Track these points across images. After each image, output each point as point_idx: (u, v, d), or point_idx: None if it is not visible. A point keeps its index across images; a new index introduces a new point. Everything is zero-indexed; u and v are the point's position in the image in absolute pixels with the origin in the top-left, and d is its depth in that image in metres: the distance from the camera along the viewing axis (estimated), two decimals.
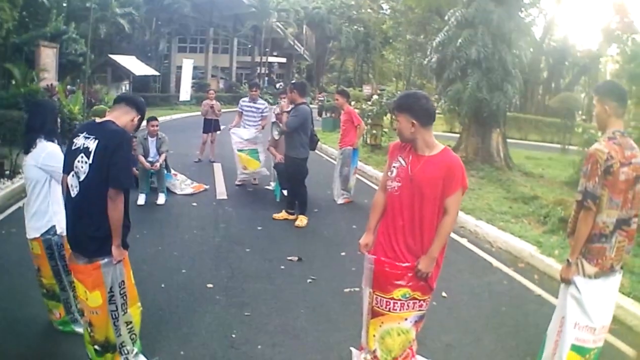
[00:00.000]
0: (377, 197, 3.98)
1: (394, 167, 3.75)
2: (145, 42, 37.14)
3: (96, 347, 3.82)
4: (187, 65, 33.33)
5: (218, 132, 14.46)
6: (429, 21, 28.57)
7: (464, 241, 8.28)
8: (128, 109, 3.81)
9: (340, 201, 10.58)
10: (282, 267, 6.61)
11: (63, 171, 3.84)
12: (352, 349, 4.37)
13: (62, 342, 4.50)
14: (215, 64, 44.57)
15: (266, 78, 51.68)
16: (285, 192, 9.62)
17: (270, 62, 53.75)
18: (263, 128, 11.42)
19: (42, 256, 4.41)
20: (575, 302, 3.81)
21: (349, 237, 8.10)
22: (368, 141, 18.46)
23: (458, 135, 30.06)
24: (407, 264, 3.74)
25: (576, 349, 3.82)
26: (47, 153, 4.29)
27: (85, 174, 3.56)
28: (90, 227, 3.61)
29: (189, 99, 33.71)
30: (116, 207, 3.56)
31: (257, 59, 49.60)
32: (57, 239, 4.38)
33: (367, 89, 42.87)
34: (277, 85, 51.65)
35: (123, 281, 3.82)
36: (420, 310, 3.89)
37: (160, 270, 6.18)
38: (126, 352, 3.97)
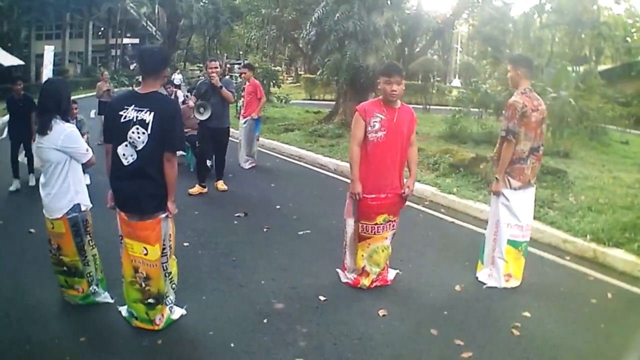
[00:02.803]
0: (355, 152, 5.00)
1: (374, 122, 4.86)
2: (4, 32, 35.09)
3: (150, 300, 4.20)
4: (48, 53, 31.92)
5: None
6: None
7: None
8: (154, 75, 4.12)
9: (247, 166, 11.53)
10: (235, 222, 7.44)
11: (109, 142, 4.13)
12: (337, 270, 5.52)
13: (88, 313, 4.63)
14: (71, 49, 42.87)
15: (118, 60, 50.45)
16: (209, 163, 9.83)
17: (124, 44, 52.42)
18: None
19: (66, 234, 4.45)
20: (505, 208, 5.26)
21: (274, 194, 9.30)
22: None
23: (317, 102, 31.79)
24: (384, 195, 4.98)
25: (511, 243, 5.27)
26: (65, 135, 4.30)
27: (144, 143, 3.94)
28: (150, 187, 4.04)
29: None
30: (173, 167, 4.06)
31: (112, 42, 48.26)
32: (82, 215, 4.50)
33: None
34: (132, 67, 50.52)
35: (170, 234, 4.28)
36: (394, 229, 5.20)
37: None
38: (170, 302, 4.42)
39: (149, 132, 3.95)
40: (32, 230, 6.56)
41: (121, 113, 4.01)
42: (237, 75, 24.25)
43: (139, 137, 3.95)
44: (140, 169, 4.02)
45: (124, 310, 4.50)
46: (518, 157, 5.15)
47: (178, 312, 4.51)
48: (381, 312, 4.69)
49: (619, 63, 32.77)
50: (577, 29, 30.05)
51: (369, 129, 4.87)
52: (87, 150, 4.49)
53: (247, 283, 5.33)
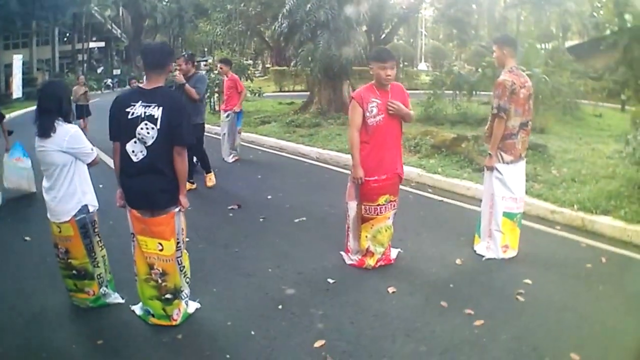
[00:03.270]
0: (355, 138, 5.14)
1: (372, 107, 5.01)
2: None
3: (167, 296, 4.21)
4: (17, 62, 31.38)
5: (89, 117, 14.70)
6: None
7: None
8: (159, 70, 4.13)
9: (230, 160, 11.56)
10: (231, 214, 7.51)
11: (117, 140, 4.11)
12: (341, 252, 5.66)
13: (100, 316, 4.58)
14: (38, 56, 42.07)
15: (85, 65, 49.87)
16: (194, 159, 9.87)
17: (90, 48, 51.86)
18: None
19: (74, 237, 4.39)
20: (499, 182, 5.48)
21: (262, 185, 9.39)
22: (217, 108, 19.30)
23: (288, 93, 31.86)
24: (385, 176, 5.15)
25: (507, 215, 5.49)
26: (70, 136, 4.24)
27: (154, 139, 3.94)
28: (162, 182, 4.04)
29: (21, 95, 31.87)
30: (183, 161, 4.07)
31: (78, 47, 47.69)
32: (90, 216, 4.44)
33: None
34: (99, 71, 50.06)
35: (183, 228, 4.27)
36: (394, 208, 5.37)
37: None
38: (185, 296, 4.40)
39: (158, 127, 3.95)
40: (26, 238, 6.54)
41: (128, 110, 4.01)
42: (203, 72, 24.25)
43: (148, 133, 3.95)
44: (150, 164, 4.02)
45: (137, 308, 4.51)
46: (509, 133, 5.35)
47: (193, 306, 4.54)
48: (390, 290, 4.84)
49: (587, 39, 33.36)
50: (543, 7, 30.53)
51: (367, 114, 5.01)
52: (92, 150, 4.43)
53: (254, 272, 5.41)
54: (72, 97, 14.44)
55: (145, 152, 4.01)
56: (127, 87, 31.21)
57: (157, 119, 3.95)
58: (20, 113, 26.64)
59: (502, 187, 5.45)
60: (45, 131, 4.21)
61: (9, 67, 33.38)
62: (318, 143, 12.93)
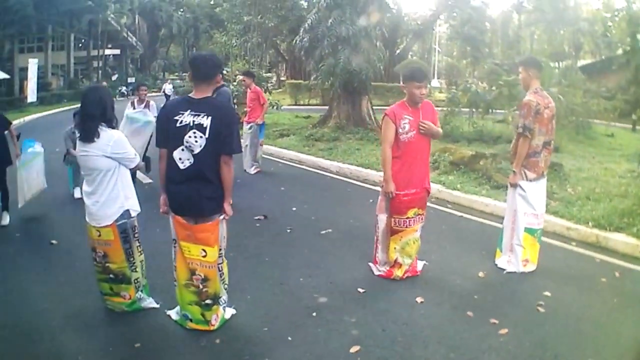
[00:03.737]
0: (387, 153, 5.43)
1: (404, 124, 5.31)
2: None
3: (207, 301, 4.35)
4: (32, 66, 31.77)
5: None
6: (265, 2, 29.70)
7: (376, 189, 9.61)
8: (207, 81, 4.25)
9: (252, 171, 11.84)
10: (257, 225, 7.75)
11: (164, 147, 4.23)
12: (369, 264, 5.95)
13: (136, 320, 4.72)
14: (53, 61, 42.65)
15: (100, 71, 50.52)
16: None
17: (106, 55, 52.56)
18: None
19: (114, 241, 4.49)
20: (522, 198, 5.76)
21: (286, 197, 9.69)
22: (240, 120, 19.65)
23: (303, 107, 32.22)
24: (414, 190, 5.45)
25: (528, 230, 5.78)
26: (114, 141, 4.34)
27: (202, 147, 4.05)
28: (208, 190, 4.16)
29: (35, 99, 32.24)
30: (230, 170, 4.19)
31: (93, 53, 48.33)
32: (131, 222, 4.56)
33: None
34: (113, 78, 50.68)
35: (224, 236, 4.43)
36: (422, 221, 5.67)
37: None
38: (223, 302, 4.54)
39: (207, 135, 4.06)
40: (53, 241, 6.77)
41: (176, 118, 4.12)
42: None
43: (196, 141, 4.06)
44: (197, 172, 4.13)
45: (173, 313, 4.66)
46: (533, 151, 5.66)
47: (229, 312, 4.69)
48: (418, 299, 5.12)
49: (599, 58, 33.72)
50: (557, 26, 30.90)
51: (400, 130, 5.32)
52: (135, 155, 4.55)
53: (286, 280, 5.67)
54: None
55: (192, 160, 4.13)
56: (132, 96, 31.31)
57: (206, 128, 4.07)
58: (35, 117, 27.09)
59: (525, 204, 5.75)
60: (89, 136, 4.31)
61: (24, 70, 33.84)
62: (338, 157, 13.21)
